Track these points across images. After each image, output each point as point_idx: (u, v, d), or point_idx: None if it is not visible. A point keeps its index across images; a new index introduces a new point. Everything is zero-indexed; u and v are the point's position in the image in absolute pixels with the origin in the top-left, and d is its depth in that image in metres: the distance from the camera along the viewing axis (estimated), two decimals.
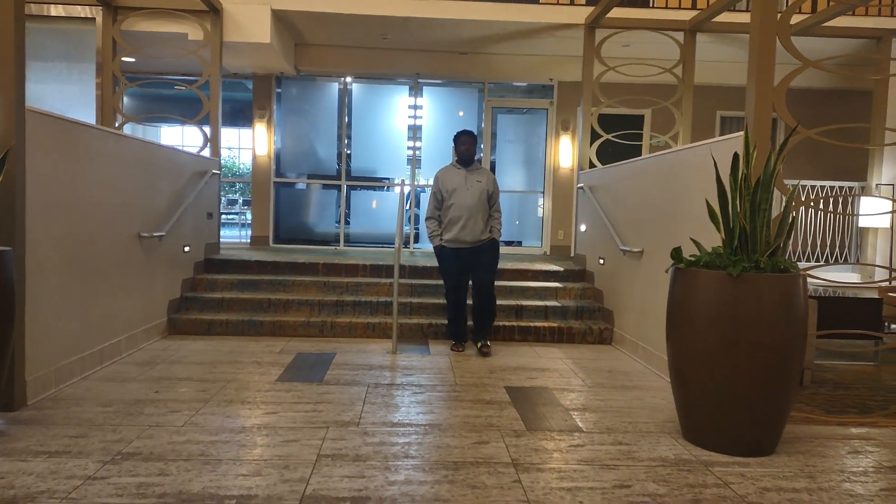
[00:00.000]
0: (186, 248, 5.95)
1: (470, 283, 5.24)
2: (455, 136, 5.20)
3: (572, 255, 7.68)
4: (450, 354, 5.01)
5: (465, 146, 5.13)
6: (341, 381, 4.14)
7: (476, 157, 5.20)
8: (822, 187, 7.34)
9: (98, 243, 4.29)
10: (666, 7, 7.48)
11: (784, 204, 3.23)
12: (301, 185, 9.59)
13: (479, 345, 5.11)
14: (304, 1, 7.21)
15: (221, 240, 7.23)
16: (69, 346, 3.95)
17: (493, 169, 9.42)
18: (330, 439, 3.11)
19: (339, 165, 9.39)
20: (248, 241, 9.43)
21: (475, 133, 4.81)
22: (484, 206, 5.09)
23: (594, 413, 3.66)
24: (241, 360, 4.62)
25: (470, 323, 5.34)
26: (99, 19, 6.97)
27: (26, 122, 3.43)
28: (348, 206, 9.45)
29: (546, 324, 5.68)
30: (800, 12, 6.90)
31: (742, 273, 2.99)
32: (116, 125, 6.90)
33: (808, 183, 7.23)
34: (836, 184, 7.33)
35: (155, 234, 5.07)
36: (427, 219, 5.22)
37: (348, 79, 9.28)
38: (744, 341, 2.98)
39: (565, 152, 9.17)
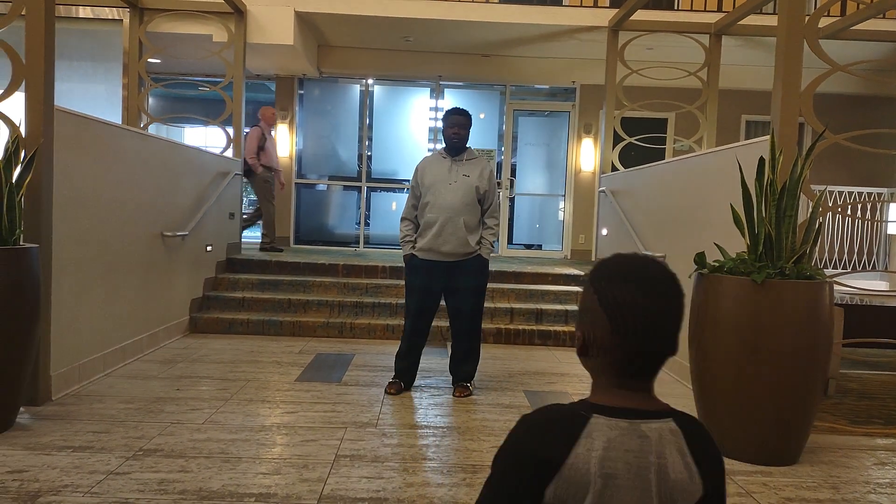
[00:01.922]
0: (209, 248, 6.00)
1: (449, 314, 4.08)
2: (444, 115, 4.03)
3: (593, 259, 7.63)
4: None
5: (454, 129, 3.91)
6: (360, 383, 4.15)
7: (469, 146, 4.05)
8: (850, 193, 7.21)
9: (122, 242, 4.34)
10: (691, 10, 7.41)
11: (810, 210, 3.17)
12: (322, 187, 9.65)
13: (455, 387, 4.01)
14: (328, 3, 7.26)
15: (243, 240, 7.30)
16: (93, 343, 4.01)
17: (513, 172, 9.39)
18: (348, 440, 3.12)
19: (359, 167, 9.43)
20: None
21: (469, 114, 3.98)
22: (470, 209, 3.87)
23: None
24: (260, 360, 4.65)
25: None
26: (126, 20, 7.07)
27: (54, 121, 3.49)
28: (368, 208, 9.49)
29: (566, 328, 5.64)
30: (828, 15, 6.79)
31: (767, 280, 2.94)
32: (141, 125, 6.99)
33: (836, 189, 7.12)
34: (864, 190, 7.20)
35: (178, 234, 5.12)
36: (401, 219, 4.10)
37: (370, 80, 9.32)
38: (767, 349, 2.93)
39: (587, 155, 9.12)
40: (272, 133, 7.85)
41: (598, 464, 0.97)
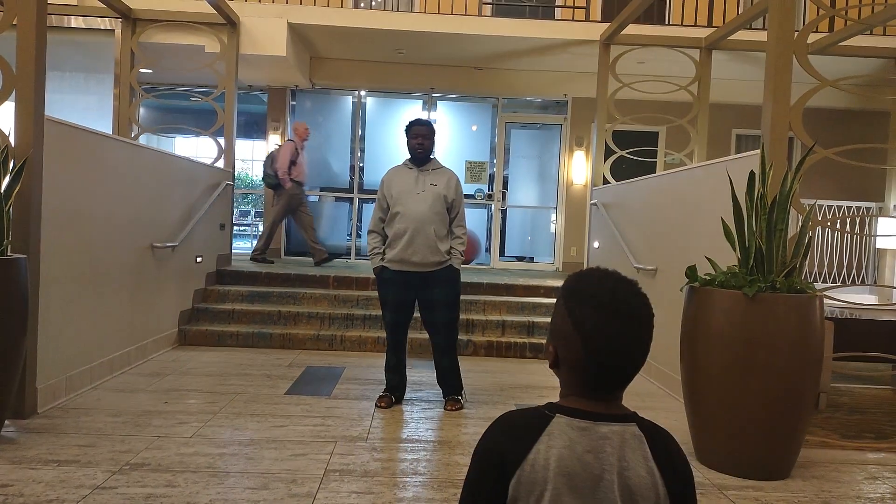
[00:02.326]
0: (199, 259, 5.97)
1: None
2: (406, 127, 4.04)
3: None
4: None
5: (417, 139, 3.94)
6: (350, 396, 4.12)
7: (432, 156, 4.06)
8: (839, 207, 7.27)
9: (111, 253, 4.31)
10: (682, 24, 7.48)
11: (800, 223, 3.19)
12: (313, 198, 9.62)
13: (446, 401, 4.00)
14: (321, 15, 7.28)
15: (233, 251, 7.26)
16: (80, 356, 3.96)
17: (505, 184, 9.41)
18: (338, 454, 3.09)
19: (351, 178, 9.42)
20: None
21: (431, 124, 4.03)
22: (439, 217, 3.88)
23: None
24: (250, 373, 4.61)
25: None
26: (118, 31, 7.05)
27: (45, 131, 3.47)
28: (360, 220, 9.47)
29: None
30: (817, 31, 6.87)
31: (758, 293, 2.95)
32: (132, 135, 6.97)
33: (825, 203, 7.17)
34: (854, 204, 7.26)
35: (168, 245, 5.09)
36: (368, 232, 4.05)
37: (362, 92, 9.34)
38: (759, 362, 2.93)
39: (579, 168, 9.15)
40: (303, 147, 7.83)
41: (557, 462, 0.99)
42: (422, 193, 3.86)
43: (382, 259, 3.93)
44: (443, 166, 4.05)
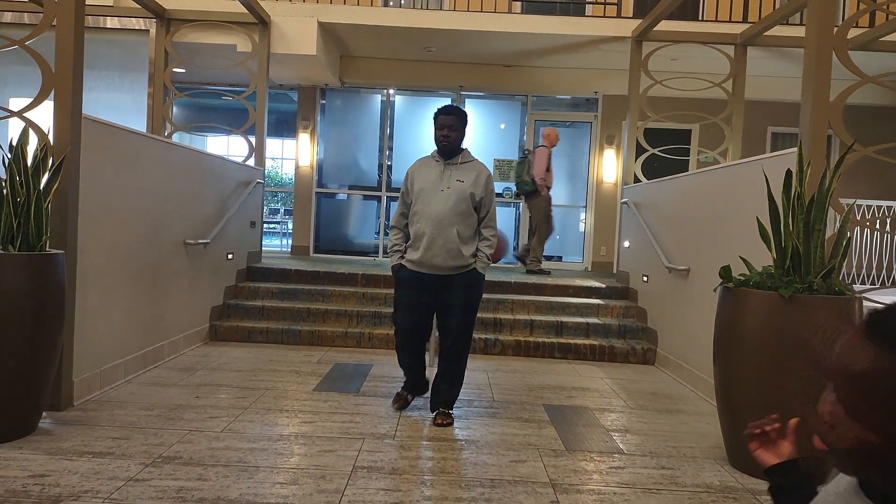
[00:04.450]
0: (230, 256, 6.04)
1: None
2: (434, 115, 3.63)
3: (615, 271, 7.55)
4: (487, 371, 4.94)
5: (443, 130, 3.55)
6: (378, 394, 4.13)
7: (463, 148, 3.69)
8: (879, 207, 7.07)
9: (145, 249, 4.38)
10: (716, 20, 7.34)
11: (839, 223, 3.10)
12: (342, 196, 9.68)
13: (434, 413, 3.63)
14: (350, 13, 7.31)
15: (263, 248, 7.33)
16: (114, 350, 4.04)
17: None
18: (366, 451, 3.09)
19: (380, 177, 9.45)
20: (289, 250, 9.55)
21: (465, 112, 3.65)
22: (464, 217, 3.51)
23: (636, 435, 3.56)
24: (279, 369, 4.65)
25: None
26: (152, 31, 7.18)
27: (82, 129, 3.54)
28: (388, 218, 9.50)
29: (587, 341, 5.58)
30: (857, 26, 6.69)
31: (794, 294, 2.87)
32: (166, 134, 7.08)
33: (865, 202, 6.98)
34: (894, 204, 7.05)
35: (200, 242, 5.16)
36: (390, 227, 3.78)
37: (391, 91, 9.36)
38: (795, 365, 2.86)
39: (609, 167, 9.06)
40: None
41: None
42: (445, 191, 3.51)
43: (402, 257, 3.65)
44: (473, 159, 3.67)
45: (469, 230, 3.55)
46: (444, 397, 3.63)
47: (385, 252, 9.33)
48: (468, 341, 3.67)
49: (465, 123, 3.62)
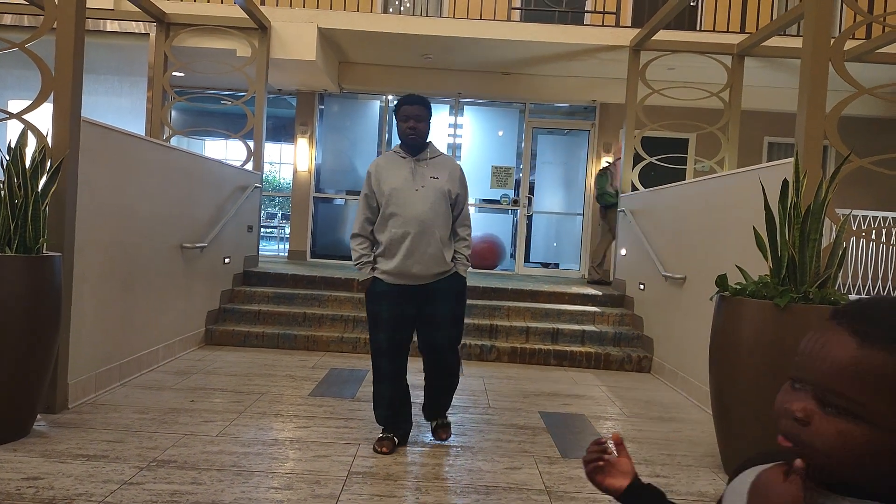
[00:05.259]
0: (226, 260, 6.04)
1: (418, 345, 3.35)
2: (396, 105, 3.25)
3: (611, 279, 7.57)
4: (483, 377, 4.94)
5: (408, 123, 3.16)
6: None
7: (429, 141, 3.29)
8: (874, 218, 7.10)
9: (141, 252, 4.38)
10: (714, 30, 7.39)
11: (835, 233, 3.12)
12: (339, 201, 9.69)
13: (433, 424, 3.43)
14: (349, 20, 7.33)
15: (260, 253, 7.33)
16: (110, 353, 4.03)
17: (531, 190, 9.36)
18: (361, 456, 3.09)
19: None
20: (286, 254, 9.55)
21: (429, 102, 3.25)
22: (444, 218, 3.19)
23: (631, 443, 3.57)
24: (274, 374, 4.64)
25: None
26: (152, 35, 7.19)
27: (81, 132, 3.54)
28: None
29: (583, 349, 5.58)
30: (853, 38, 6.74)
31: (790, 304, 2.89)
32: (164, 137, 7.08)
33: (861, 213, 7.00)
34: (891, 214, 7.08)
35: (197, 246, 5.16)
36: (352, 236, 3.31)
37: (390, 97, 9.39)
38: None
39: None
40: None
41: None
42: (421, 190, 3.14)
43: (373, 269, 3.23)
44: (442, 153, 3.33)
45: (447, 231, 3.24)
46: (441, 411, 3.44)
47: None
48: (456, 355, 3.35)
49: (431, 114, 3.25)
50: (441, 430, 3.41)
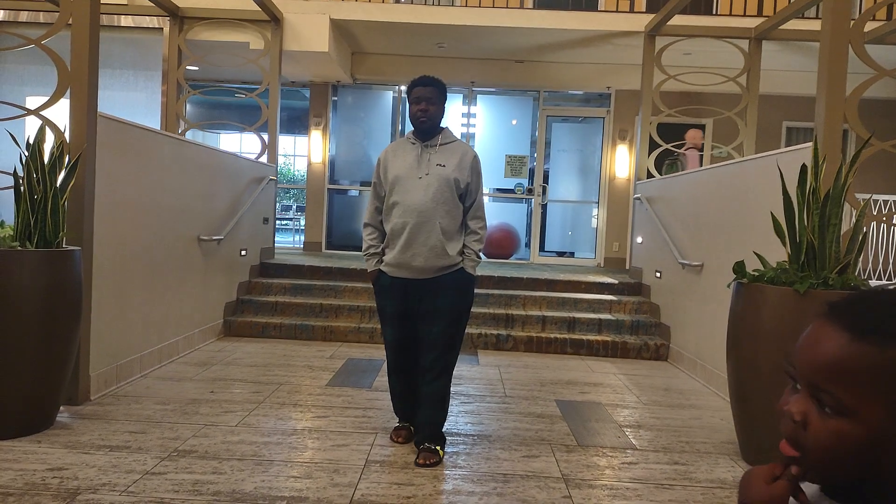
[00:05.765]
0: (243, 252, 6.08)
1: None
2: (408, 88, 3.11)
3: (627, 267, 7.53)
4: (499, 366, 4.95)
5: (419, 105, 2.99)
6: None
7: (444, 127, 3.12)
8: None
9: (160, 245, 4.42)
10: (730, 14, 7.28)
11: (855, 218, 3.08)
12: (354, 192, 9.71)
13: (418, 448, 2.98)
14: (362, 10, 7.32)
15: (276, 244, 7.37)
16: (130, 345, 4.08)
17: (546, 178, 9.32)
18: (379, 445, 3.11)
19: None
20: (302, 246, 9.60)
21: (443, 83, 3.08)
22: (448, 209, 2.98)
23: (649, 431, 3.56)
24: (293, 364, 4.68)
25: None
26: (166, 29, 7.23)
27: (97, 127, 3.58)
28: None
29: (599, 337, 5.57)
30: (874, 19, 6.61)
31: (809, 290, 2.85)
32: (179, 131, 7.13)
33: (882, 197, 6.90)
34: None
35: (214, 238, 5.20)
36: (364, 226, 3.21)
37: (403, 87, 9.37)
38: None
39: (622, 162, 9.02)
40: None
41: None
42: (424, 178, 2.97)
43: (380, 261, 3.11)
44: (456, 139, 3.12)
45: (454, 223, 3.01)
46: (430, 430, 2.99)
47: None
48: (454, 358, 3.06)
49: (445, 97, 3.08)
50: (427, 454, 2.93)
